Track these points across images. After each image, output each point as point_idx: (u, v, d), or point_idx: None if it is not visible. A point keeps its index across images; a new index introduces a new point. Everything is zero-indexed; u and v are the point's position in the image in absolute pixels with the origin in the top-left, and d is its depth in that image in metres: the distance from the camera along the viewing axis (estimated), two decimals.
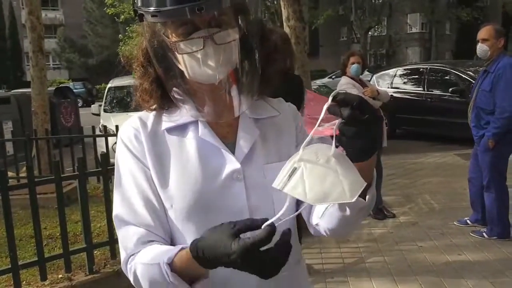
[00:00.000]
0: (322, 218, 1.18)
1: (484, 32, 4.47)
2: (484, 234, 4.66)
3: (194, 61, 1.11)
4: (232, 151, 1.18)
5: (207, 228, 1.12)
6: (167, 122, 1.21)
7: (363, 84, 5.35)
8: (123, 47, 19.92)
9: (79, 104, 15.06)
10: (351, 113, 0.91)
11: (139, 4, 1.11)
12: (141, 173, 1.17)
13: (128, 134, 1.20)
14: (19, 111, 10.55)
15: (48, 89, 9.07)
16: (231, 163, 1.16)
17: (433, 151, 9.23)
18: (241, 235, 0.89)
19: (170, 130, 1.20)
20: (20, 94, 12.03)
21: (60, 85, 19.77)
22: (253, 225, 0.90)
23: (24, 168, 6.71)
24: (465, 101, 4.92)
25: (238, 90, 1.19)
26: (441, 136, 9.90)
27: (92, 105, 11.62)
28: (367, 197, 1.06)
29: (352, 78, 5.25)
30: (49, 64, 42.53)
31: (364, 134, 0.94)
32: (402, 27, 40.56)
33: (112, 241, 3.86)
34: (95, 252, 3.89)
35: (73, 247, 3.76)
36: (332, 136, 1.03)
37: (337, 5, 33.92)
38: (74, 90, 19.17)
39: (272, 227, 0.87)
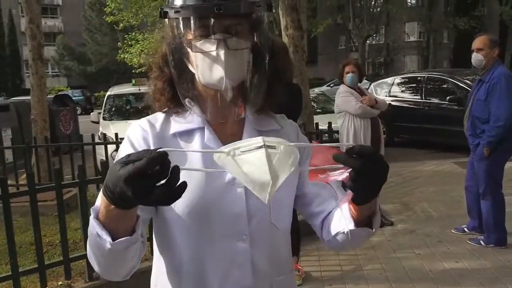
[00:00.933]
0: (333, 238, 1.26)
1: (478, 42, 4.54)
2: (481, 241, 4.69)
3: (205, 62, 1.17)
4: None
5: (207, 229, 1.19)
6: (175, 126, 1.26)
7: (361, 92, 5.40)
8: (122, 55, 20.07)
9: (78, 112, 15.07)
10: (363, 163, 0.95)
11: (167, 2, 1.20)
12: None
13: (136, 134, 1.25)
14: (18, 118, 10.59)
15: (47, 96, 9.11)
16: None
17: (431, 159, 9.26)
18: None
19: (177, 135, 1.25)
20: (19, 102, 12.08)
21: (59, 93, 19.83)
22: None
23: (23, 176, 6.75)
24: (463, 109, 4.96)
25: (244, 98, 1.24)
26: (439, 144, 9.95)
27: (91, 113, 11.67)
28: (373, 226, 1.16)
29: (350, 86, 5.30)
30: (48, 72, 42.62)
31: (372, 183, 0.99)
32: (400, 36, 40.76)
33: None
34: None
35: (73, 254, 3.77)
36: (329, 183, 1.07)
37: (335, 14, 34.08)
38: (73, 98, 19.22)
39: (152, 161, 0.85)
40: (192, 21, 1.15)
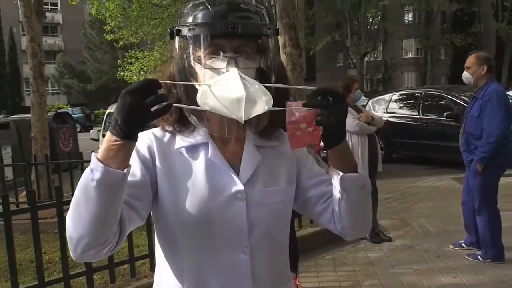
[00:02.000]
0: (342, 220, 1.30)
1: (467, 61, 4.68)
2: (479, 257, 4.70)
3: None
4: (237, 173, 1.29)
5: (209, 240, 1.25)
6: (179, 142, 1.31)
7: (358, 110, 5.46)
8: (121, 73, 20.23)
9: (77, 129, 15.11)
10: (324, 99, 1.12)
11: (179, 21, 1.25)
12: (137, 168, 1.24)
13: (141, 142, 1.30)
14: (18, 136, 10.63)
15: (48, 114, 9.17)
16: (236, 184, 1.27)
17: (428, 175, 9.31)
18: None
19: (182, 150, 1.30)
20: (19, 120, 12.12)
21: (59, 111, 19.89)
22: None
23: (23, 193, 6.76)
24: (460, 125, 5.02)
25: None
26: (436, 160, 10.00)
27: (91, 131, 11.75)
28: (359, 170, 1.24)
29: (349, 104, 5.36)
30: (48, 90, 42.81)
31: (335, 114, 1.12)
32: (398, 52, 41.05)
33: (112, 266, 3.90)
34: (95, 276, 3.93)
35: (72, 271, 3.79)
36: (312, 144, 1.19)
37: (333, 32, 34.37)
38: (73, 115, 19.26)
39: (146, 80, 1.06)
40: (202, 39, 1.21)
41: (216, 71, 1.21)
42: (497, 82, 4.74)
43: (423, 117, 10.46)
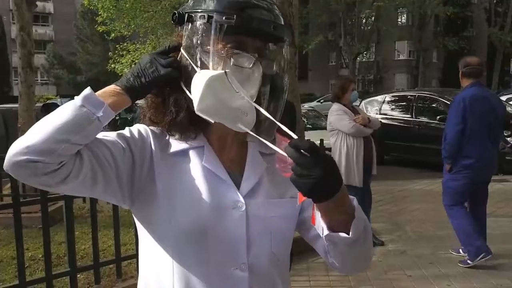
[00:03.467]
0: (331, 257, 1.18)
1: None
2: (468, 261, 4.63)
3: (236, 76, 1.11)
4: (239, 181, 1.18)
5: (206, 252, 1.13)
6: (176, 145, 1.20)
7: (354, 111, 5.35)
8: (112, 65, 20.02)
9: None
10: (297, 157, 0.94)
11: (211, 7, 1.11)
12: (121, 143, 1.14)
13: (138, 130, 1.19)
14: (4, 126, 10.43)
15: (36, 105, 8.98)
16: (235, 194, 1.16)
17: (421, 178, 9.26)
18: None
19: (178, 153, 1.19)
20: (6, 110, 11.89)
21: (48, 101, 19.63)
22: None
23: (7, 186, 6.59)
24: None
25: (258, 125, 1.16)
26: (429, 163, 9.96)
27: None
28: (351, 232, 1.07)
29: (344, 105, 5.24)
30: (37, 80, 42.38)
31: (312, 178, 0.94)
32: (390, 54, 41.13)
33: (97, 265, 3.77)
34: (79, 276, 3.78)
35: (56, 270, 3.66)
36: None
37: (326, 31, 34.33)
38: None
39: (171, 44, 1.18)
40: (231, 34, 1.10)
41: (240, 68, 1.11)
42: (477, 87, 4.68)
43: (415, 119, 10.43)
